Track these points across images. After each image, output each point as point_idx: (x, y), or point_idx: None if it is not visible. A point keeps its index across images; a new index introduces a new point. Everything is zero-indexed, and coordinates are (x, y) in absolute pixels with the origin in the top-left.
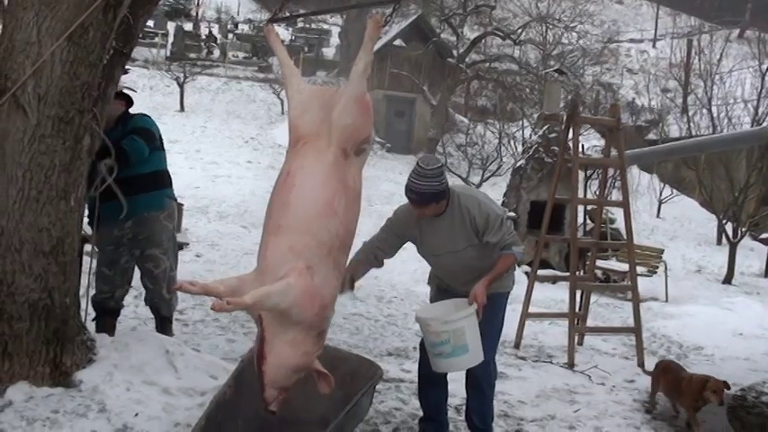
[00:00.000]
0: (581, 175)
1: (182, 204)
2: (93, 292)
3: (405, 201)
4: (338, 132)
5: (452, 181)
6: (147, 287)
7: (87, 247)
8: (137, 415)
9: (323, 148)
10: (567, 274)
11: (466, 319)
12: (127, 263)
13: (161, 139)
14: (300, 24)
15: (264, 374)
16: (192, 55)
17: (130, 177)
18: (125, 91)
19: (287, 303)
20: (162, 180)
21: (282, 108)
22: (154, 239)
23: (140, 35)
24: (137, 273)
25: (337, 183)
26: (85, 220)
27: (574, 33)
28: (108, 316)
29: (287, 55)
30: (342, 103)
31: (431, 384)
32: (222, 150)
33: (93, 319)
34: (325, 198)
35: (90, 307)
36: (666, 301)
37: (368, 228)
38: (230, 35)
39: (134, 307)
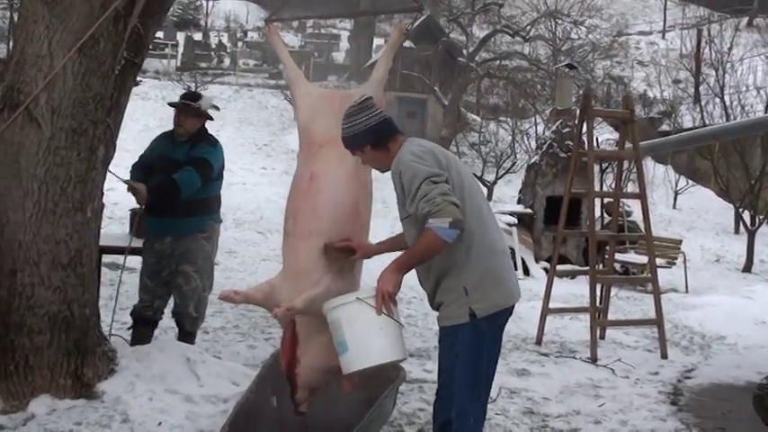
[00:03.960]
0: (596, 168)
1: (221, 221)
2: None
3: None
4: None
5: None
6: (175, 301)
7: (105, 259)
8: (160, 424)
9: (344, 152)
10: (586, 268)
11: (341, 309)
12: (168, 276)
13: (222, 167)
14: (310, 30)
15: (298, 377)
16: (203, 64)
17: (177, 202)
18: (209, 111)
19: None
20: (209, 205)
21: (295, 114)
22: (188, 257)
23: (151, 46)
24: None
25: (359, 186)
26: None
27: (583, 28)
28: (144, 326)
29: (289, 56)
30: None
31: None
32: (236, 158)
33: (128, 328)
34: (351, 202)
35: (112, 319)
36: (687, 291)
37: (384, 227)
38: (240, 43)
39: None
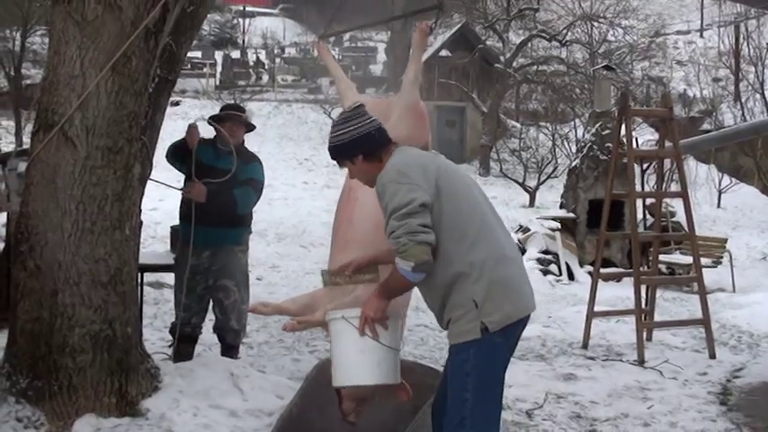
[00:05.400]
0: (637, 169)
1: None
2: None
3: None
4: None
5: (509, 185)
6: (216, 316)
7: (148, 278)
8: None
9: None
10: (631, 270)
11: (331, 324)
12: (203, 291)
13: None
14: (347, 43)
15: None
16: (242, 82)
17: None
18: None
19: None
20: (245, 218)
21: None
22: (227, 271)
23: (187, 63)
24: None
25: None
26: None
27: (619, 29)
28: (185, 343)
29: (340, 69)
30: (396, 114)
31: None
32: (277, 174)
33: (169, 345)
34: None
35: (153, 336)
36: (734, 291)
37: None
38: (278, 59)
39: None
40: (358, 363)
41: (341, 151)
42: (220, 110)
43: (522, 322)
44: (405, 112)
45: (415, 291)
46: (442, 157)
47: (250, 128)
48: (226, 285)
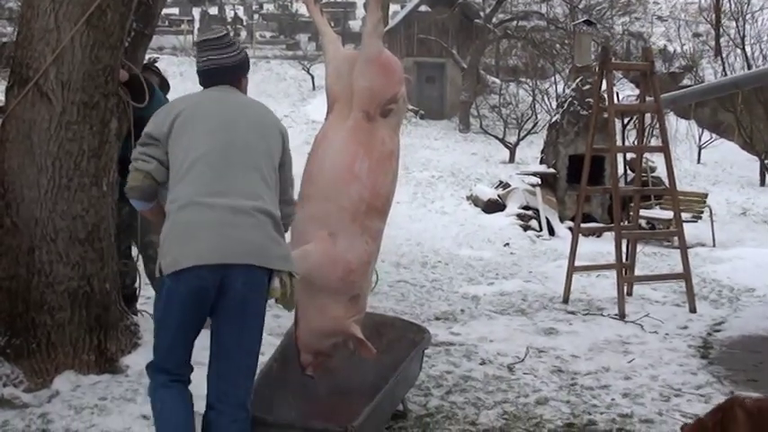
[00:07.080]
0: (617, 124)
1: None
2: None
3: (441, 166)
4: (357, 95)
5: (489, 141)
6: (150, 275)
7: None
8: None
9: (345, 113)
10: (611, 225)
11: None
12: (128, 249)
13: None
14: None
15: (298, 339)
16: None
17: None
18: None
19: (304, 269)
20: None
21: (313, 84)
22: (151, 227)
23: (165, 20)
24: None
25: (358, 147)
26: None
27: None
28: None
29: (326, 23)
30: (357, 66)
31: None
32: None
33: None
34: (344, 163)
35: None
36: (714, 246)
37: (406, 194)
38: (256, 15)
39: None
40: None
41: None
42: None
43: (199, 275)
44: (363, 65)
45: (396, 246)
46: (216, 99)
47: (164, 81)
48: (152, 241)
